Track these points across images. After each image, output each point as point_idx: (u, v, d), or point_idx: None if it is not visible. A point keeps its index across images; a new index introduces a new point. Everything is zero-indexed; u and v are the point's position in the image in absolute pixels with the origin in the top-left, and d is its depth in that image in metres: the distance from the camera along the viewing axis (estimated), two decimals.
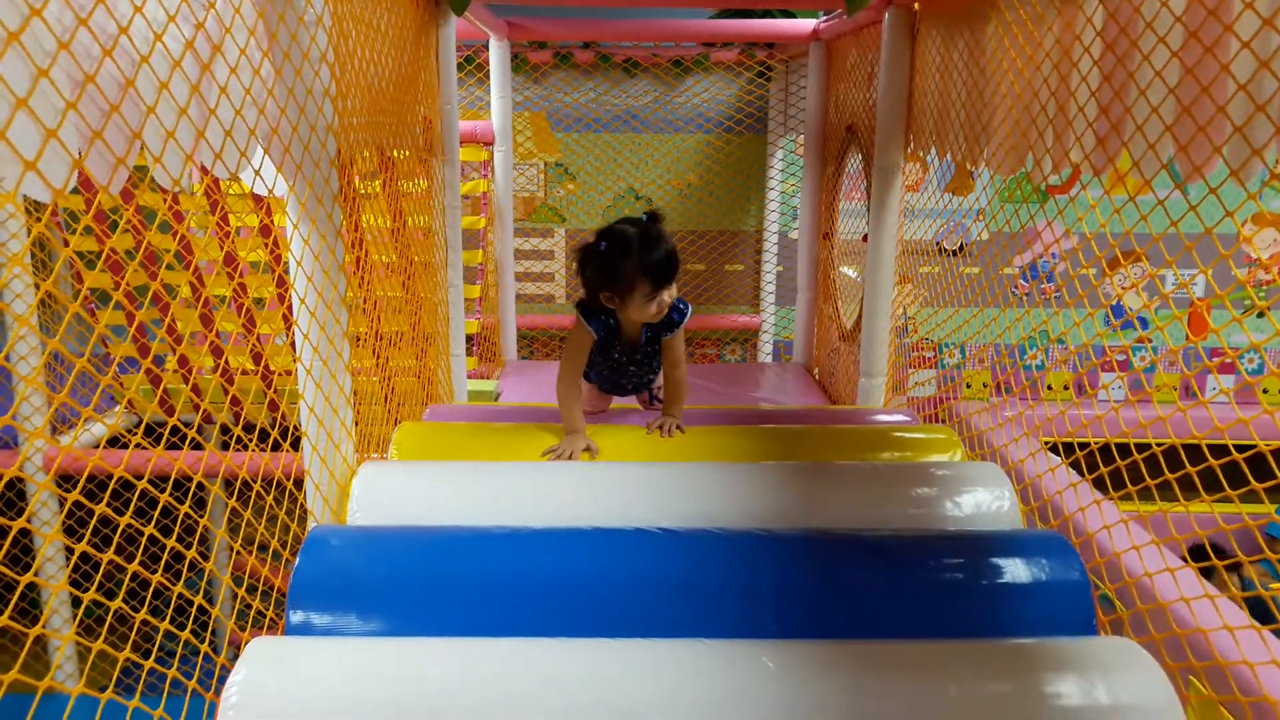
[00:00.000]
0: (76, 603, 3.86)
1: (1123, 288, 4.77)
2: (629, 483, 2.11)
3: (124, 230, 3.36)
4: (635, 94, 5.35)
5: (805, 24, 4.63)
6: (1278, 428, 1.51)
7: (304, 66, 1.91)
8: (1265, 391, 5.01)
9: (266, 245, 3.24)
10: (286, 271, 2.05)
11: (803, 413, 3.23)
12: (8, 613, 1.08)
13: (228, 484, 3.82)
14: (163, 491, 1.53)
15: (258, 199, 3.21)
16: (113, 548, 1.34)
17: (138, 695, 1.37)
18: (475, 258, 4.48)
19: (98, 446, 3.81)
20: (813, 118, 4.66)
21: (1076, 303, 2.44)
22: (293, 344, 2.04)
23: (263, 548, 1.98)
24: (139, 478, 1.47)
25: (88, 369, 1.30)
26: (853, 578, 1.78)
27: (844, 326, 4.25)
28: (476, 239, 4.57)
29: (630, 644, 1.58)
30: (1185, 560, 1.71)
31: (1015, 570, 1.76)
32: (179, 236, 3.02)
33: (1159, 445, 1.78)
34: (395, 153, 2.99)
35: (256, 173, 1.78)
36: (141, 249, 1.57)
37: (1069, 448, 2.16)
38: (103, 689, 1.32)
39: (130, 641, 1.38)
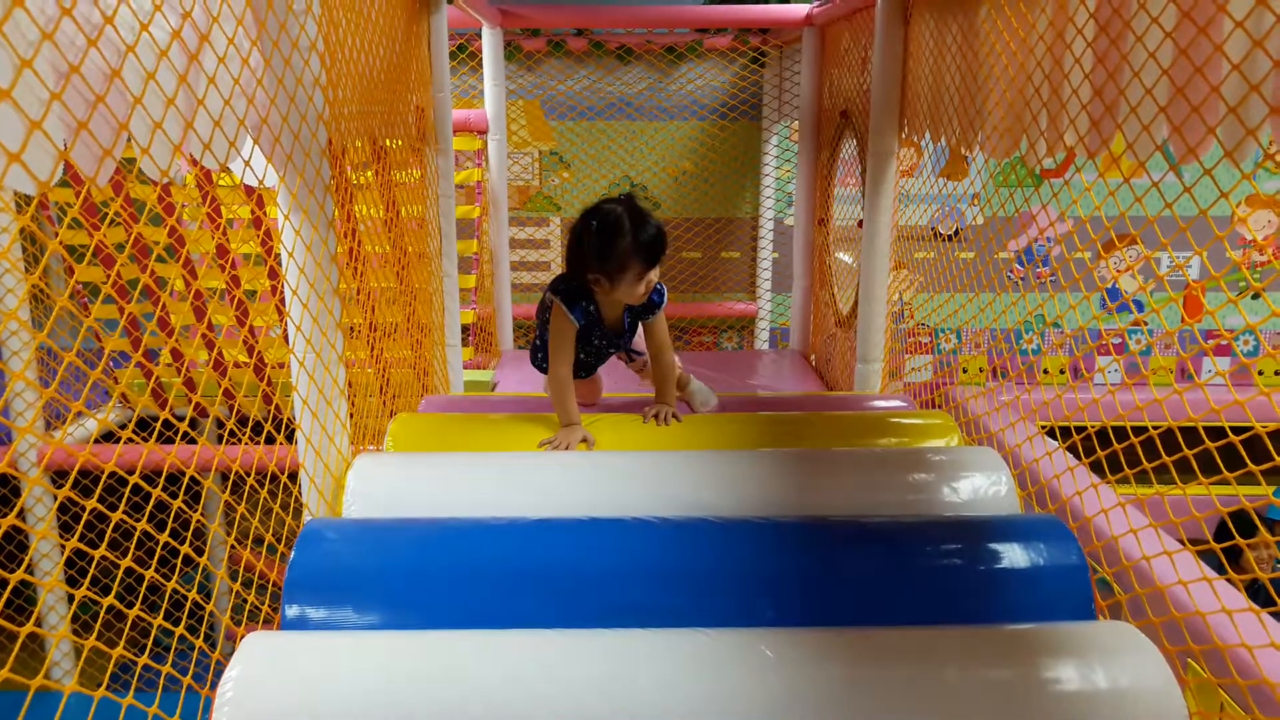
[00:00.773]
0: (71, 600, 3.86)
1: (1118, 271, 4.77)
2: (625, 472, 2.11)
3: (114, 223, 3.34)
4: (629, 81, 5.33)
5: (799, 9, 4.62)
6: (1274, 409, 1.50)
7: (293, 55, 1.89)
8: (1261, 373, 5.02)
9: (259, 237, 3.22)
10: (279, 263, 2.04)
11: (799, 399, 3.23)
12: (0, 609, 1.08)
13: (222, 478, 3.81)
14: (156, 486, 1.52)
15: (249, 190, 3.19)
16: (105, 543, 1.34)
17: (132, 692, 1.36)
18: (470, 247, 4.47)
19: (90, 442, 3.80)
20: (807, 103, 4.64)
21: (1072, 286, 2.44)
22: (286, 336, 2.03)
23: (258, 541, 1.98)
24: (132, 472, 1.46)
25: (79, 363, 1.29)
26: (850, 564, 1.78)
27: (840, 312, 4.24)
28: (471, 229, 4.55)
29: (628, 634, 1.57)
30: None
31: (1013, 555, 1.75)
32: (170, 229, 3.01)
33: (1155, 428, 1.77)
34: (388, 142, 2.97)
35: (246, 163, 1.76)
36: (130, 241, 1.56)
37: (1066, 432, 2.16)
38: (97, 686, 1.31)
39: (125, 638, 1.38)
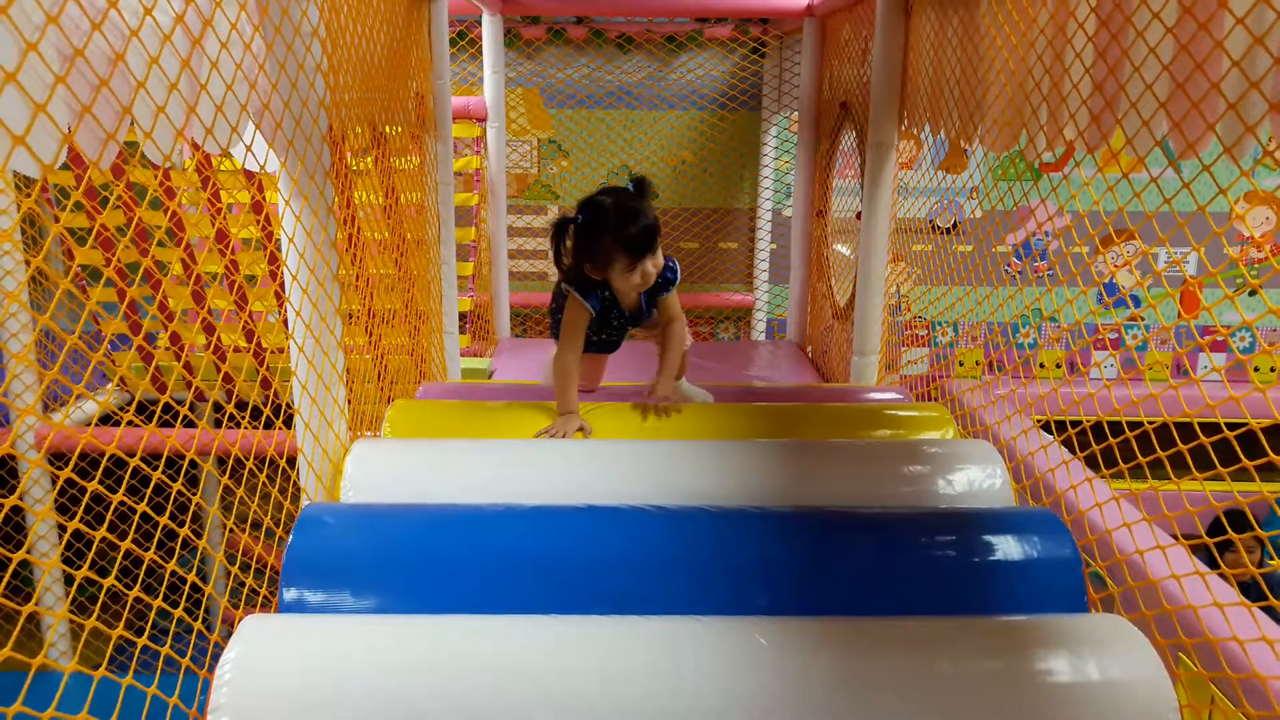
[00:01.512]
0: (70, 580, 3.87)
1: (1115, 265, 4.78)
2: (622, 460, 2.12)
3: (115, 207, 3.34)
4: (629, 70, 5.33)
5: None
6: (1269, 405, 1.51)
7: (295, 41, 1.89)
8: (1257, 369, 5.03)
9: (259, 222, 3.22)
10: (279, 248, 2.04)
11: (796, 390, 3.24)
12: (0, 590, 1.08)
13: (220, 462, 3.82)
14: (155, 469, 1.52)
15: (250, 175, 3.19)
16: (105, 525, 1.34)
17: (130, 673, 1.37)
18: (468, 235, 4.47)
19: (90, 424, 3.81)
20: (807, 94, 4.64)
21: (1069, 280, 2.44)
22: (285, 321, 2.04)
23: (256, 525, 1.98)
24: (131, 455, 1.47)
25: (79, 346, 1.29)
26: (845, 555, 1.79)
27: (837, 304, 4.25)
28: (469, 216, 4.55)
29: (623, 620, 1.58)
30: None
31: (1007, 547, 1.76)
32: (170, 213, 3.01)
33: (1150, 423, 1.78)
34: (388, 129, 2.97)
35: (248, 148, 1.77)
36: (133, 226, 1.56)
37: (1061, 425, 2.17)
38: (96, 666, 1.32)
39: (124, 619, 1.38)
